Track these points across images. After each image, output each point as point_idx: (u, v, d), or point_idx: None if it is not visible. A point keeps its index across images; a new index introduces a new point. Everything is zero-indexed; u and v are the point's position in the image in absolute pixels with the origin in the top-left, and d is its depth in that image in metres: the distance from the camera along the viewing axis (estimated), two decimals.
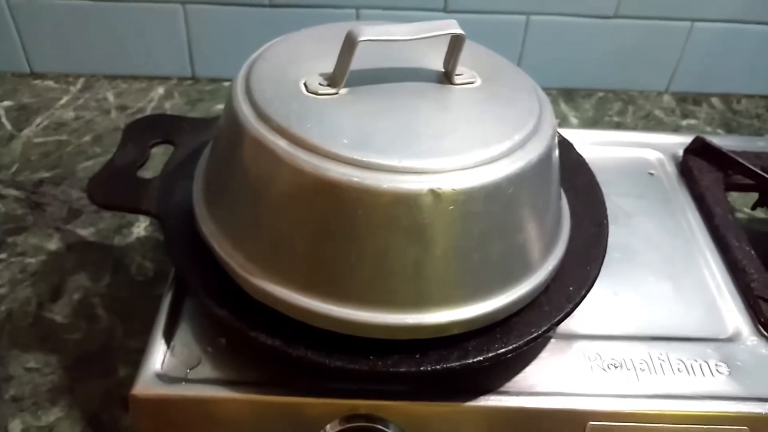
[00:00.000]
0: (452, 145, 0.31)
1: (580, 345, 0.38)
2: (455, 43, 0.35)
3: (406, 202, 0.30)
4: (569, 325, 0.39)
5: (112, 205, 0.40)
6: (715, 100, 0.76)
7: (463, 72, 0.36)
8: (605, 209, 0.41)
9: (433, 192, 0.30)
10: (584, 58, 0.73)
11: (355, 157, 0.30)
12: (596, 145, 0.51)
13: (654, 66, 0.74)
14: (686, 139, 0.52)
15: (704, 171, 0.49)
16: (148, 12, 0.69)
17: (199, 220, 0.36)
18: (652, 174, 0.50)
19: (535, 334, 0.33)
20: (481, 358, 0.32)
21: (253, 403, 0.34)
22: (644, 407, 0.35)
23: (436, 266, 0.31)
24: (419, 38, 0.33)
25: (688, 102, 0.75)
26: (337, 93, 0.34)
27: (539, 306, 0.35)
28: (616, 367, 0.37)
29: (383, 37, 0.33)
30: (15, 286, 0.52)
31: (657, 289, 0.42)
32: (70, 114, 0.69)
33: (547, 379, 0.36)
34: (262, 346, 0.32)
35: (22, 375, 0.46)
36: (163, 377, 0.35)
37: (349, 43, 0.32)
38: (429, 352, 0.32)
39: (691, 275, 0.43)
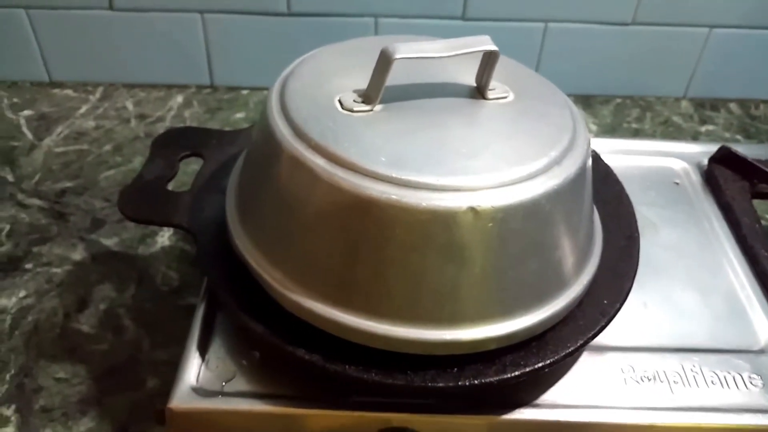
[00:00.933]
0: (489, 162, 0.31)
1: (612, 357, 0.38)
2: (488, 59, 0.35)
3: (445, 219, 0.30)
4: (601, 337, 0.39)
5: (144, 220, 0.40)
6: (733, 106, 0.76)
7: (495, 87, 0.36)
8: (635, 221, 0.41)
9: (472, 209, 0.30)
10: (602, 65, 0.73)
11: (393, 175, 0.30)
12: (619, 154, 0.51)
13: (672, 72, 0.74)
14: (710, 148, 0.52)
15: (729, 180, 0.49)
16: (166, 21, 0.69)
17: (233, 236, 0.36)
18: (677, 183, 0.50)
19: (571, 349, 0.33)
20: (519, 373, 0.32)
21: (289, 417, 0.34)
22: (679, 420, 0.35)
23: (474, 283, 0.31)
24: (454, 55, 0.33)
25: (706, 108, 0.75)
26: (371, 110, 0.34)
27: (574, 320, 0.35)
28: (649, 380, 0.37)
29: (418, 54, 0.33)
30: (41, 297, 0.52)
31: (686, 300, 0.42)
32: (90, 123, 0.69)
33: (581, 392, 0.36)
34: (300, 360, 0.32)
35: (51, 386, 0.46)
36: (199, 390, 0.35)
37: (385, 61, 0.33)
38: (466, 367, 0.32)
39: (719, 286, 0.43)
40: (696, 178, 0.51)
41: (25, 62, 0.72)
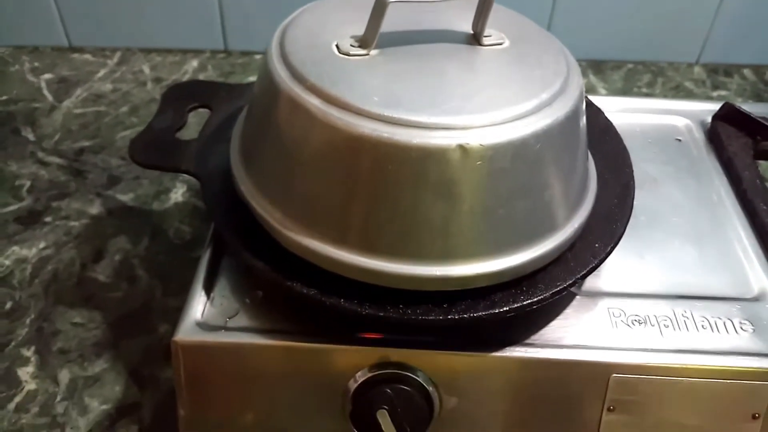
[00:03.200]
0: (480, 102, 0.32)
1: (604, 302, 0.39)
2: (483, 5, 0.36)
3: (435, 157, 0.31)
4: (594, 283, 0.40)
5: (152, 165, 0.42)
6: (746, 72, 0.75)
7: (491, 34, 0.37)
8: (632, 171, 0.41)
9: (461, 147, 0.31)
10: (613, 30, 0.73)
11: (385, 113, 0.31)
12: (624, 112, 0.52)
13: (684, 37, 0.73)
14: (714, 106, 0.52)
15: (732, 137, 0.49)
16: None
17: (237, 179, 0.37)
18: (679, 140, 0.51)
19: (560, 287, 0.34)
20: (507, 308, 0.33)
21: (288, 350, 0.36)
22: (668, 361, 0.35)
23: (464, 221, 0.32)
24: None
25: (719, 73, 0.75)
26: (367, 54, 0.35)
27: (565, 262, 0.36)
28: (639, 323, 0.37)
29: None
30: (60, 248, 0.54)
31: (683, 252, 0.42)
32: (108, 86, 0.71)
33: (572, 333, 0.37)
34: (298, 295, 0.34)
35: (68, 330, 0.49)
36: (203, 325, 0.36)
37: (380, 5, 0.33)
38: (457, 302, 0.34)
39: (717, 239, 0.43)
40: (699, 135, 0.51)
41: (46, 28, 0.74)
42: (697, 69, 0.75)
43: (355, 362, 0.36)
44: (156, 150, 0.42)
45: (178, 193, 0.59)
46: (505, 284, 0.34)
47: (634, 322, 0.38)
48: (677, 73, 0.75)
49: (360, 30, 0.35)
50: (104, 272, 0.53)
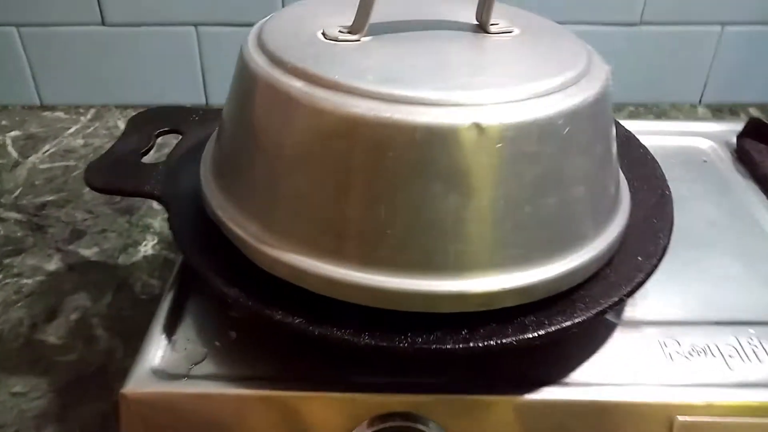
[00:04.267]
0: (496, 78, 0.27)
1: (652, 332, 0.32)
2: None
3: (445, 139, 0.25)
4: (635, 310, 0.33)
5: (112, 189, 0.36)
6: (752, 110, 0.72)
7: (498, 23, 0.32)
8: (665, 179, 0.36)
9: (477, 126, 0.25)
10: (612, 70, 0.70)
11: (382, 90, 0.26)
12: (644, 135, 0.47)
13: (685, 75, 0.71)
14: (735, 126, 0.48)
15: (764, 152, 0.44)
16: (160, 38, 0.67)
17: (207, 197, 0.31)
18: (705, 161, 0.46)
19: (605, 306, 0.28)
20: (543, 333, 0.26)
21: (266, 401, 0.28)
22: (742, 398, 0.29)
23: (483, 219, 0.26)
24: None
25: (724, 113, 0.71)
26: (358, 40, 0.30)
27: (604, 278, 0.30)
28: (699, 355, 0.31)
29: None
30: (7, 308, 0.47)
31: (728, 273, 0.36)
32: (79, 141, 0.66)
33: (620, 370, 0.30)
34: (280, 325, 0.27)
35: (6, 401, 0.41)
36: (160, 373, 0.29)
37: None
38: (479, 327, 0.27)
39: (763, 257, 0.37)
40: (725, 155, 0.46)
41: (17, 85, 0.70)
42: (701, 109, 0.72)
43: (350, 414, 0.28)
44: (117, 174, 0.36)
45: (148, 246, 0.53)
46: (534, 305, 0.28)
47: (693, 354, 0.31)
48: (681, 114, 0.71)
49: (348, 23, 0.31)
50: (56, 333, 0.45)
